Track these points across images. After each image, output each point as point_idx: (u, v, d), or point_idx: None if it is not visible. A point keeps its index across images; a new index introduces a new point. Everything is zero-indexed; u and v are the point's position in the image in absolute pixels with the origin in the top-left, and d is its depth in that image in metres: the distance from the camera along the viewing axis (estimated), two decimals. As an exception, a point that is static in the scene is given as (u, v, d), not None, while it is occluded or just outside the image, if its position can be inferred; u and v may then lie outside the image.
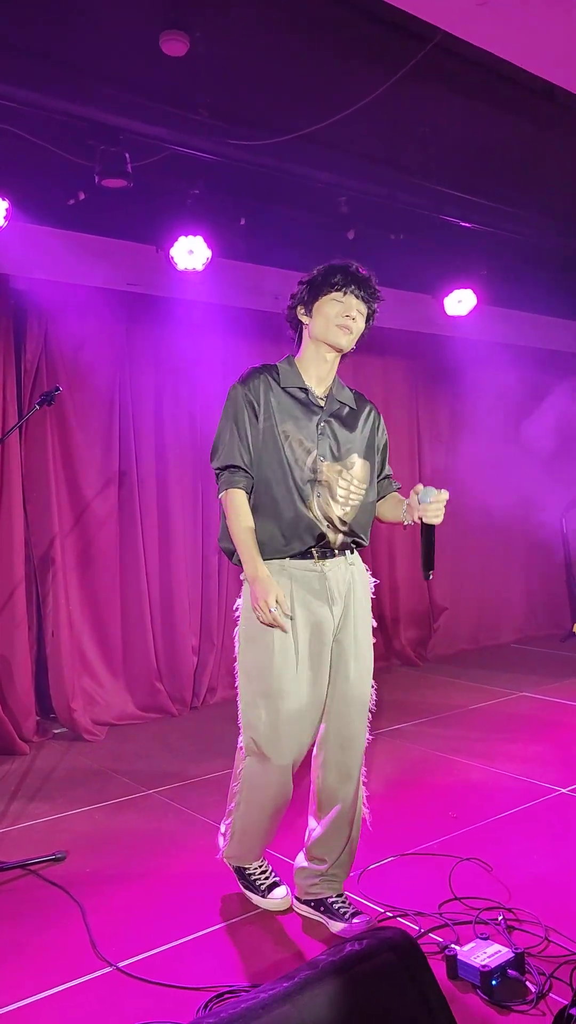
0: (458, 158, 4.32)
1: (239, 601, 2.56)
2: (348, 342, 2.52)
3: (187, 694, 5.17)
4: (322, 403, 2.56)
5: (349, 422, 2.60)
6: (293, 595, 2.47)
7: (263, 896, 2.67)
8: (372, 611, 2.66)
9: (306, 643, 2.48)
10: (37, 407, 3.05)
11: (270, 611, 2.37)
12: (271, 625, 2.39)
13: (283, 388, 2.53)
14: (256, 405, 2.50)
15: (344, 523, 2.54)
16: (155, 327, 5.09)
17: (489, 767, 3.98)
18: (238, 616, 2.57)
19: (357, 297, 2.50)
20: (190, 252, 4.37)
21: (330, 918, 2.56)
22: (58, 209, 4.10)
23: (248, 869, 2.72)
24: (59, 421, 4.78)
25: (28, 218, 4.01)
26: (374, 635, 2.64)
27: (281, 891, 2.67)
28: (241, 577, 2.54)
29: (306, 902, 2.63)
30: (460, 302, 5.52)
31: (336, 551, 2.54)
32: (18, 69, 3.16)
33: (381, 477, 2.70)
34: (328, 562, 2.52)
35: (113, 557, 4.99)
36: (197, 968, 2.38)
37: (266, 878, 2.70)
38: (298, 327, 2.62)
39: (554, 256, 5.42)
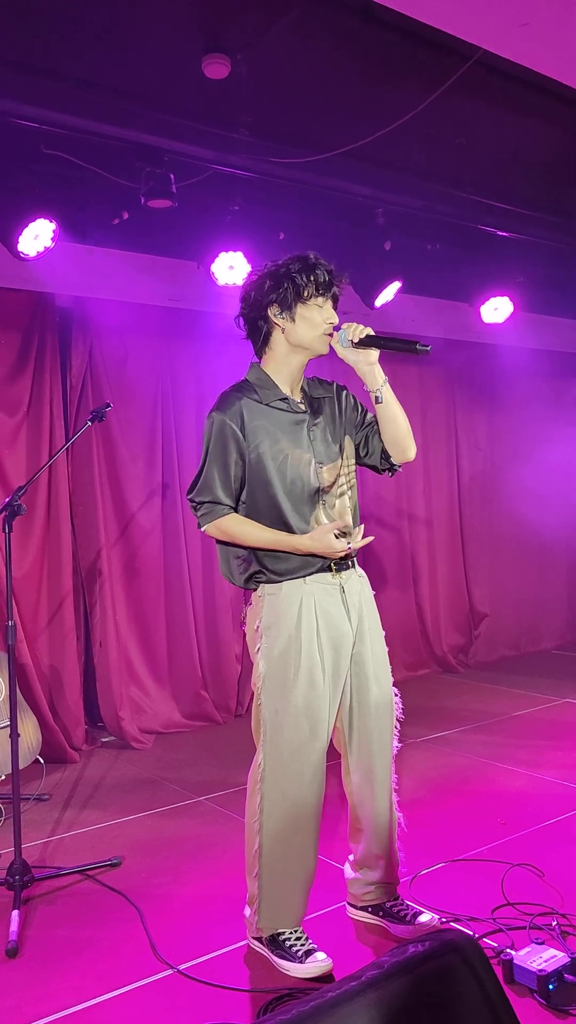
0: (494, 168, 4.35)
1: (258, 622, 2.48)
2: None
3: (231, 702, 5.23)
4: (303, 407, 2.50)
5: (330, 413, 2.55)
6: (317, 612, 2.42)
7: (301, 963, 2.36)
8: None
9: (330, 660, 2.44)
10: (89, 423, 3.13)
11: (335, 544, 2.29)
12: (341, 553, 2.30)
13: (267, 404, 2.45)
14: (241, 434, 2.40)
15: (348, 516, 2.50)
16: (196, 342, 5.18)
17: (535, 774, 3.98)
18: (259, 634, 2.47)
19: (334, 298, 2.45)
20: (231, 268, 4.45)
21: (392, 922, 2.57)
22: (102, 228, 4.20)
23: (284, 934, 2.44)
24: (104, 436, 4.89)
25: (73, 237, 4.12)
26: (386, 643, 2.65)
27: (321, 955, 2.38)
28: (258, 593, 2.48)
29: (363, 908, 2.66)
30: (496, 310, 5.54)
31: (350, 563, 2.51)
32: (64, 96, 3.25)
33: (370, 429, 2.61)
34: (344, 574, 2.48)
35: (158, 568, 5.08)
36: (256, 971, 2.43)
37: (302, 944, 2.42)
38: (265, 327, 2.46)
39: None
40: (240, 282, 4.53)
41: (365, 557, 5.93)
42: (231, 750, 4.59)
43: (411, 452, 2.56)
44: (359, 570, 2.57)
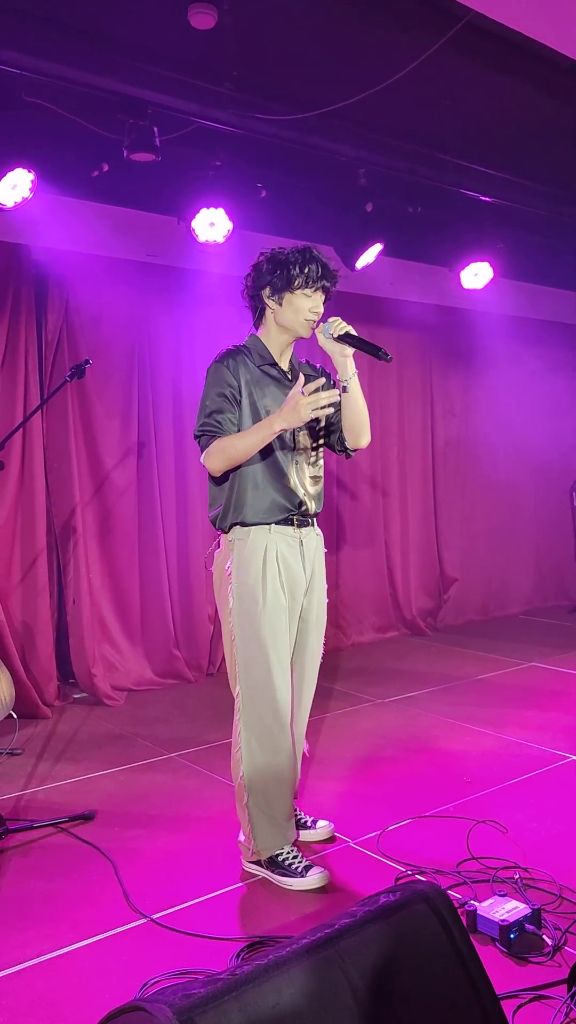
0: (479, 132, 4.32)
1: (228, 564, 2.70)
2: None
3: (203, 661, 5.28)
4: (289, 376, 2.76)
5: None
6: (279, 559, 2.67)
7: (302, 876, 2.66)
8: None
9: (288, 600, 2.70)
10: (68, 379, 3.11)
11: (307, 402, 2.41)
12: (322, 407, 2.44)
13: (257, 366, 2.70)
14: (237, 381, 2.65)
15: (315, 484, 2.76)
16: (175, 298, 5.13)
17: (500, 734, 4.09)
18: (229, 575, 2.69)
19: (324, 291, 2.66)
20: (211, 224, 4.39)
21: (296, 828, 2.90)
22: (81, 180, 4.12)
23: (281, 854, 2.71)
24: (79, 392, 4.84)
25: (51, 189, 4.03)
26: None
27: (317, 869, 2.68)
28: (229, 538, 2.70)
29: None
30: (476, 275, 5.53)
31: (310, 520, 2.77)
32: (47, 43, 3.18)
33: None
34: (304, 530, 2.74)
35: (132, 526, 5.08)
36: (228, 919, 2.50)
37: (299, 861, 2.70)
38: (259, 304, 2.72)
39: (571, 230, 5.42)
40: (221, 239, 4.49)
41: (338, 519, 5.99)
42: (202, 708, 4.64)
43: (363, 440, 2.81)
44: (317, 529, 2.84)
